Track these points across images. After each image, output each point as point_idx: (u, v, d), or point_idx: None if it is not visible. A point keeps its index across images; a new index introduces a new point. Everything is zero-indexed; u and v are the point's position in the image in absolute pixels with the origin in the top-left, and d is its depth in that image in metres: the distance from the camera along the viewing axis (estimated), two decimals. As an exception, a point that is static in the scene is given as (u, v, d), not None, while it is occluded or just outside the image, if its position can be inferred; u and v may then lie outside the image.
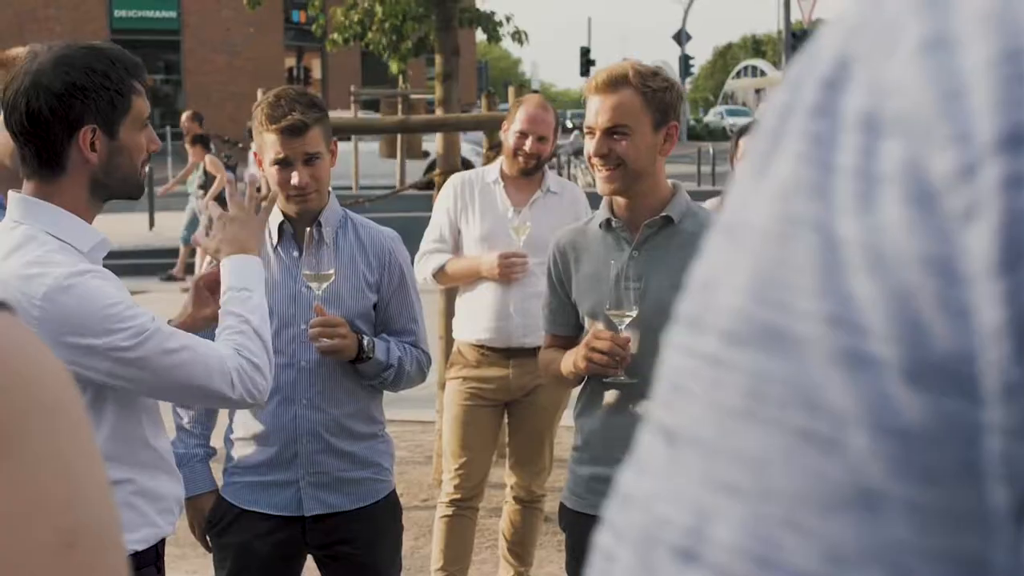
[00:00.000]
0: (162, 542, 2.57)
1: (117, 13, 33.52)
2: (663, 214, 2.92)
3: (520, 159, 4.33)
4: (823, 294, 0.39)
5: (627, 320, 2.85)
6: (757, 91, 59.77)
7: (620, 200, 2.96)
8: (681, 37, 48.08)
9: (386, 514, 3.26)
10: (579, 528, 3.01)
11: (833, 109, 0.41)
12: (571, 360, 2.92)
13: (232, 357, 2.44)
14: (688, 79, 56.13)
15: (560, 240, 3.07)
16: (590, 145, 2.90)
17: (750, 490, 0.40)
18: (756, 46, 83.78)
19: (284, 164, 3.08)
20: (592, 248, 2.99)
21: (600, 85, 2.88)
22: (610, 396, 2.95)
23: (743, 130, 4.88)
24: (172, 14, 34.05)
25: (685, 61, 48.14)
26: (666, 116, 2.91)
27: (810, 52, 0.43)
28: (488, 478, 4.59)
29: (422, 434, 6.62)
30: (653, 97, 2.89)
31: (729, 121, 50.57)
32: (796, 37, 29.23)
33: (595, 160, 2.88)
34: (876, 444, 0.38)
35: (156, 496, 2.50)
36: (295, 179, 3.07)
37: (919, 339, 0.38)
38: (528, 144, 4.30)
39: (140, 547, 2.46)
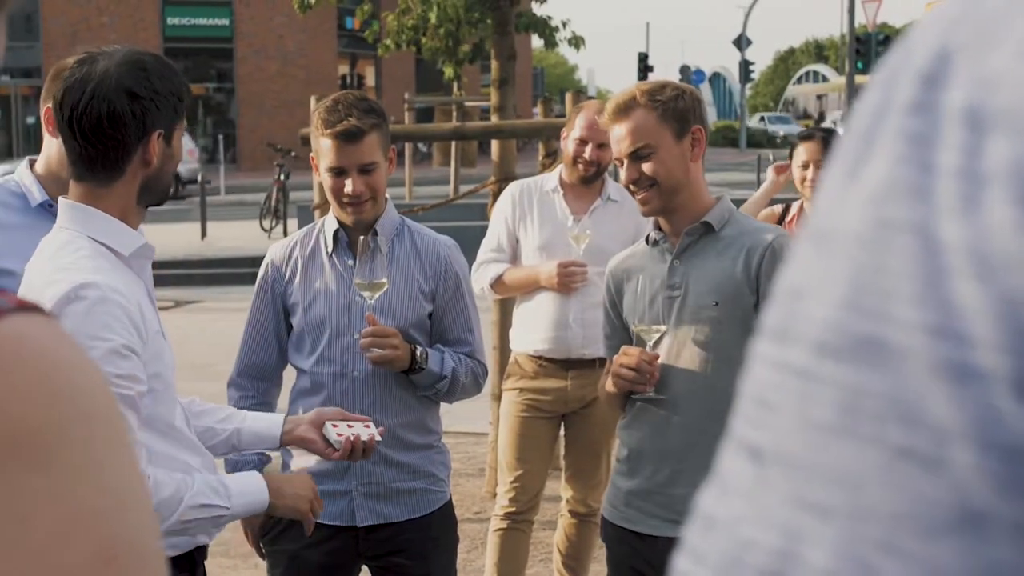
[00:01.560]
0: (200, 551, 2.58)
1: (170, 21, 33.94)
2: (703, 220, 2.96)
3: (580, 167, 4.33)
4: (924, 302, 0.38)
5: (655, 336, 2.89)
6: (819, 97, 59.35)
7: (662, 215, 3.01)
8: (741, 42, 47.87)
9: (441, 525, 3.27)
10: (617, 541, 3.05)
11: (933, 105, 0.39)
12: (605, 380, 2.97)
13: (182, 490, 2.35)
14: (748, 84, 55.88)
15: (613, 265, 3.13)
16: (622, 174, 2.96)
17: (844, 511, 0.38)
18: (818, 51, 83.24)
19: (339, 172, 3.09)
20: (640, 265, 3.04)
21: (612, 115, 2.95)
22: (648, 412, 2.97)
23: (803, 136, 4.87)
24: (225, 21, 34.42)
25: (745, 66, 47.93)
26: (685, 123, 2.94)
27: (904, 47, 0.41)
28: (543, 491, 4.59)
29: (475, 446, 6.62)
30: (665, 109, 2.92)
31: (771, 128, 50.29)
32: (860, 42, 29.00)
33: (630, 186, 2.94)
34: (982, 461, 0.36)
35: None
36: (348, 188, 3.08)
37: None
38: (588, 151, 4.30)
39: (172, 552, 2.46)
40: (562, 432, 4.57)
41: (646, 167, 2.91)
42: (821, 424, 0.39)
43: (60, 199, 2.42)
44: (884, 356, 0.38)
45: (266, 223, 18.11)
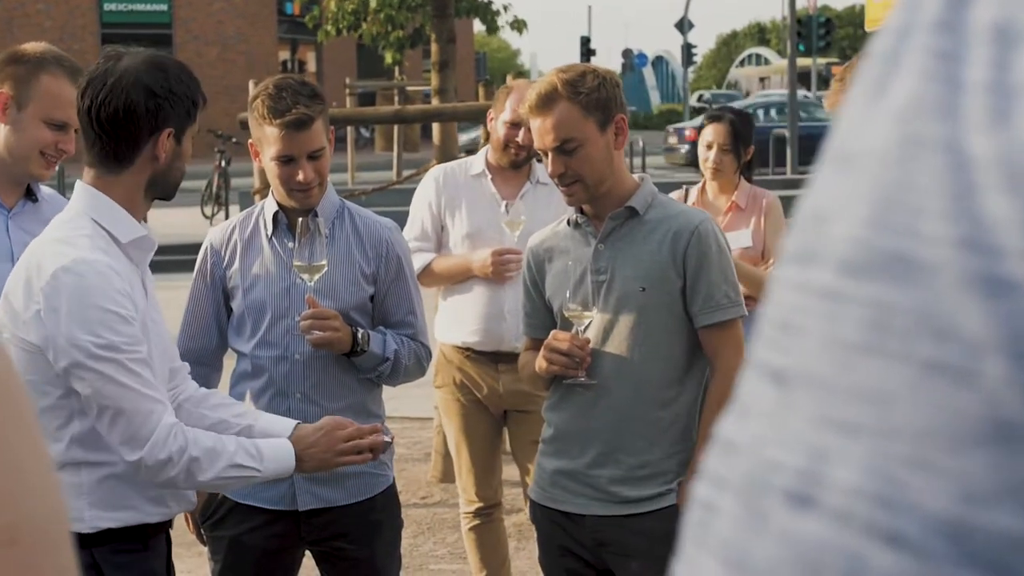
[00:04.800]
0: (159, 529, 2.65)
1: (107, 7, 33.47)
2: (627, 204, 2.95)
3: (511, 150, 4.18)
4: (954, 216, 0.37)
5: (586, 321, 2.90)
6: (761, 79, 59.72)
7: None
8: (684, 25, 48.06)
9: (384, 508, 3.26)
10: (546, 521, 3.06)
11: (959, 23, 0.39)
12: (536, 361, 2.98)
13: (178, 437, 2.47)
14: (691, 68, 56.10)
15: (533, 243, 3.14)
16: (547, 166, 2.94)
17: (872, 428, 0.38)
18: (761, 34, 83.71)
19: (288, 161, 3.06)
20: (562, 246, 3.04)
21: (534, 108, 2.90)
22: (575, 394, 2.98)
23: (712, 116, 4.77)
24: (163, 7, 34.01)
25: (688, 49, 48.12)
26: (609, 113, 2.92)
27: None
28: (503, 477, 4.53)
29: (420, 431, 6.62)
30: (588, 101, 2.89)
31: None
32: (801, 24, 29.24)
33: (555, 179, 2.93)
34: (1015, 372, 0.36)
35: (141, 483, 2.53)
36: (301, 176, 3.06)
37: None
38: (521, 135, 4.15)
39: (112, 524, 2.54)
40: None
41: (572, 162, 2.89)
42: (848, 342, 0.39)
43: (77, 182, 2.56)
44: (913, 272, 0.38)
45: (207, 210, 17.97)
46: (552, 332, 2.95)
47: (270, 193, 3.22)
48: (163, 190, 2.60)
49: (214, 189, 17.96)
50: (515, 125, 4.16)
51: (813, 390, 0.40)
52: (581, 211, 3.01)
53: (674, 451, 2.94)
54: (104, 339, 2.39)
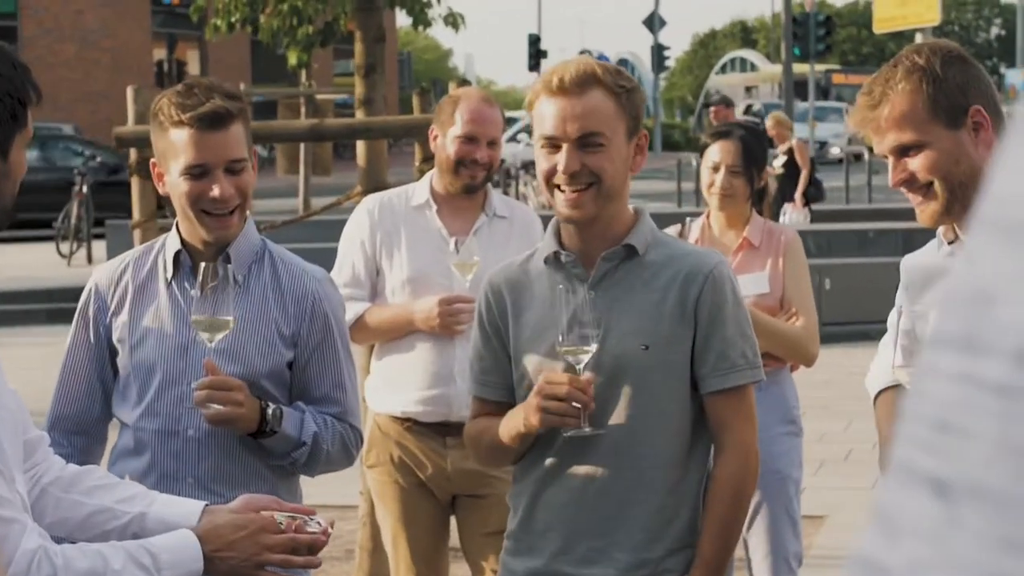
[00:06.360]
0: None
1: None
2: (625, 243, 2.93)
3: (465, 173, 4.18)
4: None
5: (585, 358, 2.85)
6: (748, 89, 60.48)
7: (570, 228, 2.95)
8: (654, 22, 48.60)
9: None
10: None
11: None
12: (517, 419, 2.90)
13: (43, 566, 2.31)
14: (663, 74, 56.67)
15: (495, 279, 3.06)
16: (549, 161, 2.88)
17: None
18: (745, 34, 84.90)
19: (200, 173, 3.04)
20: (536, 289, 2.99)
21: (566, 85, 2.87)
22: (557, 477, 2.94)
23: (717, 132, 4.74)
24: (7, -7, 33.88)
25: (659, 52, 48.63)
26: (638, 123, 2.95)
27: None
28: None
29: (341, 523, 6.59)
30: (627, 99, 2.91)
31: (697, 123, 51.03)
32: (797, 23, 29.52)
33: (562, 179, 2.86)
34: None
35: None
36: (216, 191, 3.02)
37: None
38: (479, 152, 4.16)
39: None
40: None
41: (592, 160, 2.86)
42: None
43: None
44: None
45: (64, 247, 17.82)
46: (545, 374, 2.87)
47: (174, 226, 3.20)
48: None
49: (73, 221, 17.82)
50: (470, 139, 4.16)
51: (986, 505, 0.40)
52: (561, 245, 2.97)
53: (679, 546, 2.94)
54: None
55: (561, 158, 2.86)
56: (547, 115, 2.88)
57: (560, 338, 2.85)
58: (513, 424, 2.92)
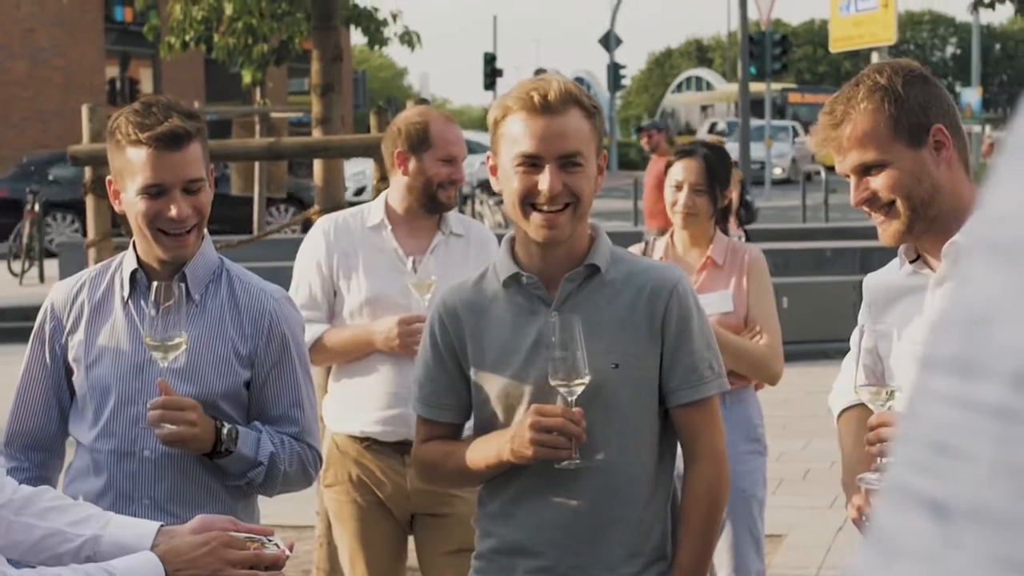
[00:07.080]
0: None
1: None
2: (587, 262, 2.92)
3: (442, 193, 4.22)
4: None
5: (579, 389, 2.83)
6: (704, 108, 60.73)
7: (533, 248, 2.92)
8: (609, 41, 48.77)
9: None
10: None
11: None
12: (499, 447, 2.88)
13: None
14: (619, 93, 56.85)
15: (448, 300, 3.01)
16: (526, 180, 2.84)
17: None
18: (701, 53, 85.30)
19: (157, 193, 3.04)
20: (494, 312, 2.96)
21: (550, 103, 2.84)
22: (530, 497, 2.93)
23: (682, 152, 4.77)
24: (-44, 10, 33.67)
25: (615, 71, 48.79)
26: (600, 142, 2.96)
27: None
28: None
29: (298, 543, 6.55)
30: (599, 120, 2.94)
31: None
32: (753, 42, 29.73)
33: (544, 199, 2.82)
34: None
35: None
36: (174, 211, 3.03)
37: None
38: (457, 172, 4.21)
39: None
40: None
41: (571, 180, 2.85)
42: None
43: None
44: None
45: (16, 266, 17.71)
46: (536, 406, 2.84)
47: (131, 245, 3.20)
48: None
49: (24, 240, 17.72)
50: (449, 161, 4.20)
51: (986, 526, 0.40)
52: (520, 266, 2.94)
53: (653, 558, 2.95)
54: None
55: (544, 178, 2.83)
56: (526, 133, 2.84)
57: (552, 370, 2.83)
58: (493, 452, 2.90)
